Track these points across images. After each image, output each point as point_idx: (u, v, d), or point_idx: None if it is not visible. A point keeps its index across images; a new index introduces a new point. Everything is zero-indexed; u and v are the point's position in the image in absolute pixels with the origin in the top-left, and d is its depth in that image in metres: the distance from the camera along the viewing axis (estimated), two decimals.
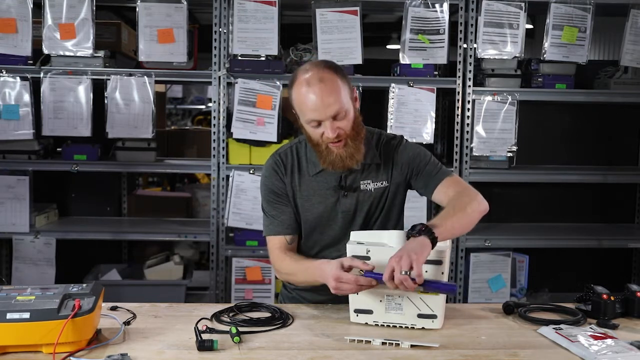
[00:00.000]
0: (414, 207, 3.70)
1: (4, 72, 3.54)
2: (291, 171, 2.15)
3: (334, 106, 1.95)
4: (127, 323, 1.93)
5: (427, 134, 3.67)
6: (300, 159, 2.16)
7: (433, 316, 1.90)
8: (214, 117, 3.66)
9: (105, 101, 3.57)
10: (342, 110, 1.97)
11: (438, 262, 1.88)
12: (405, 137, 2.24)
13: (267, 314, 2.02)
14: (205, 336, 1.76)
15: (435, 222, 1.92)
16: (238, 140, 3.63)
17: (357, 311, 1.96)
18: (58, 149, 3.91)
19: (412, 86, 3.64)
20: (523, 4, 3.60)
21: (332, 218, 2.15)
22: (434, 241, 1.85)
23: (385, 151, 2.17)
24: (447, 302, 1.98)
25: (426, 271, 1.89)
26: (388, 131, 3.62)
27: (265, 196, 2.19)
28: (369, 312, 1.94)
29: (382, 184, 2.16)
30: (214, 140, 3.65)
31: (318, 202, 2.14)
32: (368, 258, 1.91)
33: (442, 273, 1.89)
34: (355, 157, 2.04)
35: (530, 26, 5.97)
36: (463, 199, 2.03)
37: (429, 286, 1.85)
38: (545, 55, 3.68)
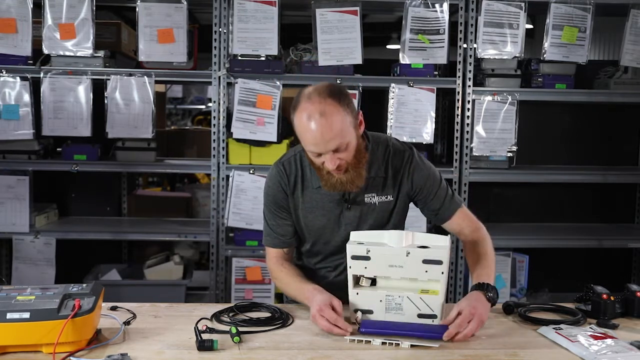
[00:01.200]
0: (414, 207, 3.69)
1: (4, 72, 3.54)
2: (294, 182, 2.13)
3: (334, 142, 1.90)
4: (127, 323, 1.93)
5: (427, 134, 3.67)
6: (305, 170, 2.13)
7: (433, 316, 1.90)
8: (214, 117, 3.66)
9: (105, 101, 3.57)
10: (342, 144, 1.93)
11: (438, 262, 1.88)
12: (414, 150, 2.18)
13: (267, 314, 2.02)
14: (205, 336, 1.77)
15: (489, 279, 2.11)
16: (238, 140, 3.63)
17: (357, 311, 1.95)
18: (58, 149, 3.91)
19: (412, 86, 3.64)
20: (523, 4, 3.60)
21: (336, 230, 2.14)
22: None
23: (393, 164, 2.13)
24: (447, 301, 1.98)
25: (426, 271, 1.89)
26: (388, 132, 3.64)
27: (267, 204, 2.19)
28: (369, 312, 1.94)
29: (387, 197, 2.14)
30: (214, 140, 3.65)
31: (321, 214, 2.13)
32: (368, 258, 1.91)
33: (442, 273, 1.89)
34: (355, 182, 2.01)
35: (530, 26, 5.97)
36: (485, 247, 2.30)
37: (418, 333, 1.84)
38: (545, 55, 3.68)
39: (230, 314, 2.03)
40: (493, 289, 2.02)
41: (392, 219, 2.17)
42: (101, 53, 3.62)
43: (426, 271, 1.89)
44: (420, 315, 1.91)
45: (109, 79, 3.57)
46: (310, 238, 2.18)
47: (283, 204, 2.15)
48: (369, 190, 2.11)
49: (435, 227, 4.14)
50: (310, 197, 2.13)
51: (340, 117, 1.91)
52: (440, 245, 1.93)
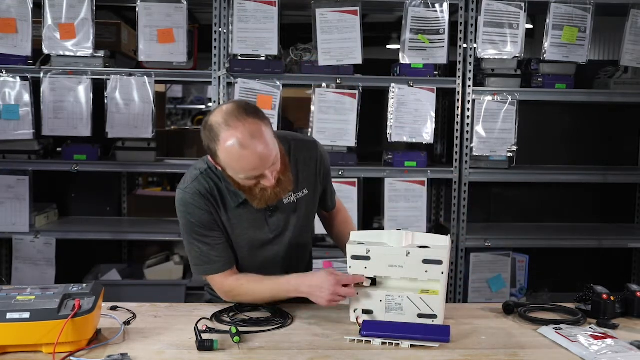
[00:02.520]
0: (414, 207, 3.70)
1: (4, 72, 3.54)
2: (214, 200, 2.02)
3: (271, 157, 1.86)
4: (127, 323, 1.93)
5: (427, 134, 3.66)
6: (220, 189, 2.03)
7: (433, 316, 1.90)
8: None
9: (105, 101, 3.57)
10: (276, 158, 1.90)
11: (438, 262, 1.88)
12: (315, 139, 2.22)
13: (267, 314, 2.02)
14: (205, 336, 1.77)
15: None
16: None
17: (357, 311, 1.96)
18: (58, 149, 3.91)
19: (412, 86, 3.64)
20: (523, 4, 3.60)
21: (264, 239, 2.11)
22: None
23: (301, 158, 2.12)
24: (447, 302, 1.99)
25: (426, 271, 1.89)
26: (388, 132, 3.64)
27: (192, 234, 2.03)
28: (369, 312, 1.94)
29: (303, 192, 2.13)
30: None
31: (246, 227, 2.07)
32: (368, 258, 1.91)
33: (442, 273, 1.89)
34: (288, 188, 1.99)
35: (530, 26, 5.96)
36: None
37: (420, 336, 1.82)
38: (545, 55, 3.68)
39: (230, 314, 2.03)
40: None
41: (311, 209, 2.19)
42: (101, 53, 3.62)
43: (426, 271, 1.89)
44: (420, 315, 1.91)
45: (109, 79, 3.57)
46: (240, 253, 2.11)
47: (212, 224, 2.03)
48: None
49: (435, 227, 4.16)
50: (233, 214, 2.05)
51: (265, 130, 1.86)
52: (441, 245, 1.93)
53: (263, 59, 3.60)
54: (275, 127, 3.57)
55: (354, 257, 1.93)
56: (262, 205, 1.99)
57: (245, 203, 2.03)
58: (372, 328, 1.84)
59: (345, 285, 1.93)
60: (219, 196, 2.03)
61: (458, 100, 3.70)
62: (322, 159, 2.17)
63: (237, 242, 2.09)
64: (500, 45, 3.64)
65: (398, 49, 3.67)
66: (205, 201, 2.01)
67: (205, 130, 1.90)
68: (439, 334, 1.82)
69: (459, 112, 3.72)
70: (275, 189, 1.95)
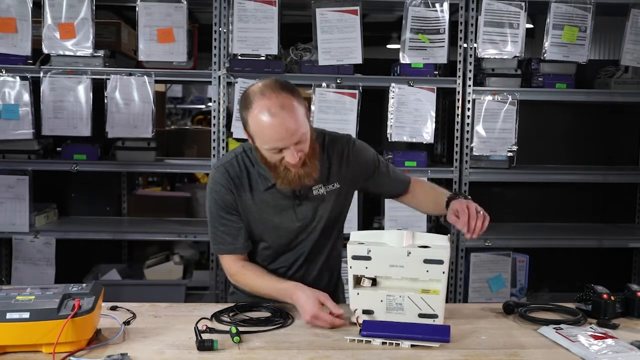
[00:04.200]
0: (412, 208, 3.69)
1: (4, 72, 3.53)
2: (241, 184, 2.08)
3: (297, 133, 1.90)
4: (127, 323, 1.93)
5: (427, 133, 3.66)
6: (250, 172, 2.09)
7: (434, 316, 1.90)
8: (214, 117, 3.65)
9: (105, 101, 3.57)
10: (303, 136, 1.93)
11: (439, 262, 1.88)
12: (352, 136, 2.24)
13: (267, 314, 2.02)
14: (205, 336, 1.77)
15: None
16: (238, 139, 3.61)
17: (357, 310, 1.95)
18: (58, 149, 3.91)
19: (412, 86, 3.64)
20: (523, 4, 3.60)
21: (289, 227, 2.12)
22: None
23: (333, 152, 2.15)
24: (447, 302, 1.98)
25: (427, 271, 1.89)
26: (388, 132, 3.64)
27: (214, 212, 2.12)
28: (370, 312, 1.94)
29: (333, 186, 2.15)
30: (214, 140, 3.65)
31: (272, 213, 2.10)
32: (369, 258, 1.91)
33: (443, 272, 1.88)
34: (312, 175, 2.02)
35: (531, 26, 5.96)
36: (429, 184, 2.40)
37: (420, 335, 1.81)
38: (545, 55, 3.68)
39: (230, 314, 2.03)
40: (460, 194, 2.16)
41: (340, 203, 2.19)
42: (101, 53, 3.61)
43: (427, 271, 1.89)
44: (421, 315, 1.91)
45: (108, 79, 3.57)
46: (264, 238, 2.14)
47: (231, 206, 2.09)
48: (315, 183, 2.09)
49: (435, 227, 4.16)
50: (260, 198, 2.09)
51: (297, 107, 1.92)
52: (441, 245, 1.93)
53: (263, 58, 3.60)
54: None
55: (355, 257, 1.93)
56: (285, 186, 2.02)
57: (273, 187, 2.06)
58: (372, 328, 1.84)
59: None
60: (247, 179, 2.08)
61: (458, 100, 3.70)
62: (356, 153, 2.18)
63: (262, 227, 2.12)
64: (501, 45, 3.64)
65: (398, 49, 3.66)
66: (230, 182, 2.07)
67: (242, 100, 1.97)
68: (439, 334, 1.82)
69: (459, 111, 3.72)
70: (299, 170, 1.97)
